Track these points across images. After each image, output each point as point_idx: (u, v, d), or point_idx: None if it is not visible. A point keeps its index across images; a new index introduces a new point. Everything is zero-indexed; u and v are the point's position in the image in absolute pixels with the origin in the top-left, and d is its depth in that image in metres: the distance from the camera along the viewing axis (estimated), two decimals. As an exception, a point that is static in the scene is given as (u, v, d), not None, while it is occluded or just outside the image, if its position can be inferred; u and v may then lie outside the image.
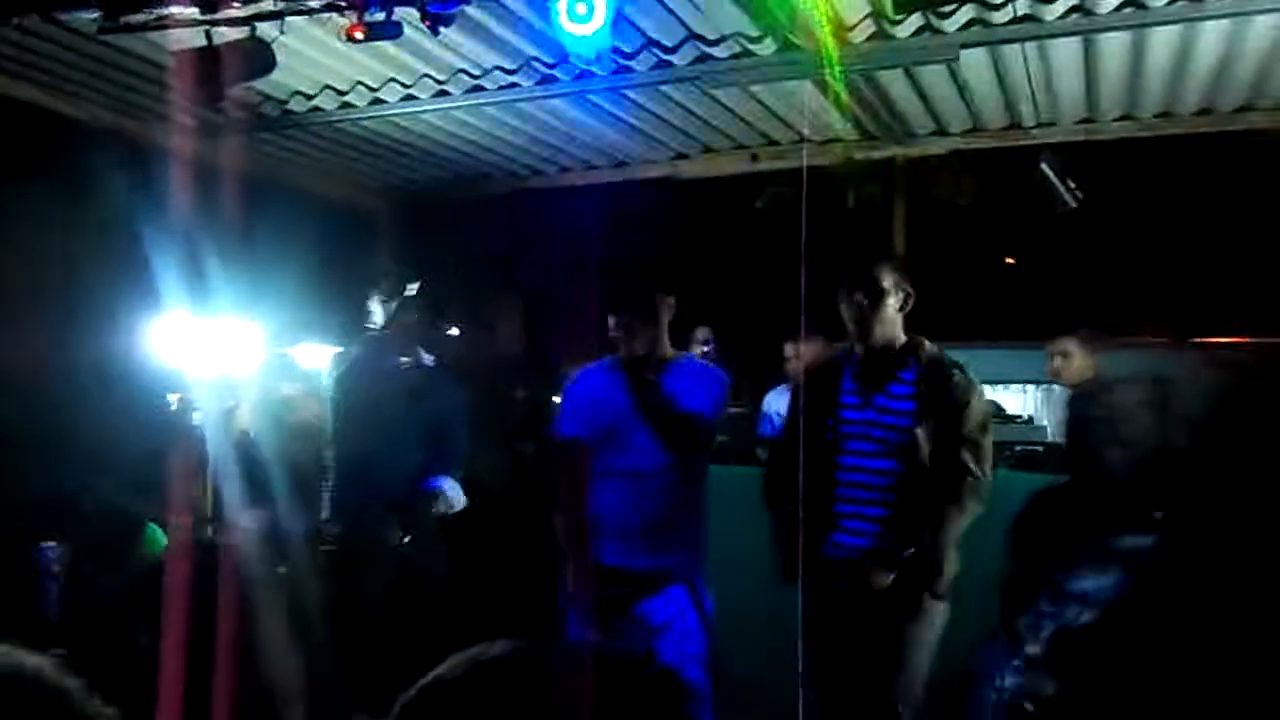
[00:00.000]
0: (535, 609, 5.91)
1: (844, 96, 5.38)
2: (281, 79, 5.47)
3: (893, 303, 3.59)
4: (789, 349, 6.24)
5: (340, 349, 4.62)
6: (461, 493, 4.35)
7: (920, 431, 3.47)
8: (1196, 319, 7.92)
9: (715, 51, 4.86)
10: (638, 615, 3.49)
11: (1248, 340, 7.28)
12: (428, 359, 4.37)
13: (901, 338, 3.64)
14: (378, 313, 4.18)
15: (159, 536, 1.63)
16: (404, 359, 4.29)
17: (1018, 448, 5.25)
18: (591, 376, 3.81)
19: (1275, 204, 7.60)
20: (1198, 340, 7.41)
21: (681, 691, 1.03)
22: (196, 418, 5.32)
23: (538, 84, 5.38)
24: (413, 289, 4.29)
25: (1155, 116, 5.67)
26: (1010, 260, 10.23)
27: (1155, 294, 8.40)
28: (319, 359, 8.49)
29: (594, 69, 5.15)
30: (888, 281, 3.59)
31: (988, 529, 4.78)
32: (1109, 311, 8.23)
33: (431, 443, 4.27)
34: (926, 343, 3.65)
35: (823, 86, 5.24)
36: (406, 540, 4.17)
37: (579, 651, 1.06)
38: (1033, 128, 5.88)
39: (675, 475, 3.59)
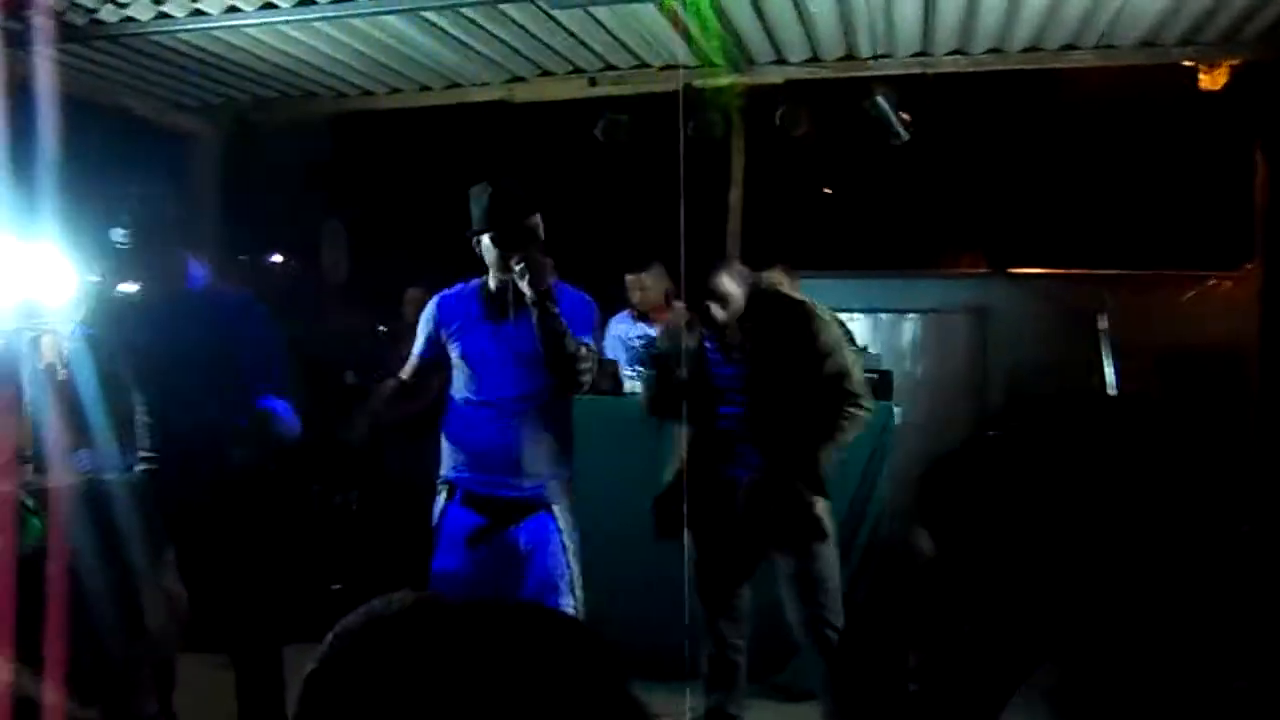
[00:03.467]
0: (367, 546, 5.84)
1: (686, 22, 5.35)
2: (91, -15, 5.13)
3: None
4: (630, 280, 6.21)
5: (102, 280, 4.19)
6: (295, 419, 4.06)
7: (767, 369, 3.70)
8: (1016, 250, 8.30)
9: (558, -29, 4.75)
10: (504, 541, 3.56)
11: (1065, 271, 7.66)
12: (220, 285, 4.02)
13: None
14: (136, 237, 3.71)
15: (35, 525, 1.46)
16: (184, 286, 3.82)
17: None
18: (456, 300, 3.72)
19: (1093, 140, 7.97)
20: (1016, 270, 7.76)
21: (586, 641, 1.01)
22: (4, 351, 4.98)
23: (372, -1, 5.18)
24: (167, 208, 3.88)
25: (986, 52, 5.79)
26: (828, 190, 10.46)
27: (981, 224, 8.74)
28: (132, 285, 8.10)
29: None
30: (725, 285, 3.71)
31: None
32: (938, 241, 8.54)
33: (245, 376, 3.87)
34: (763, 281, 3.88)
35: (666, 11, 5.20)
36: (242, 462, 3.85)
37: (477, 602, 1.02)
38: (869, 59, 5.94)
39: (540, 404, 3.60)
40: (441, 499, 3.69)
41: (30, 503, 1.77)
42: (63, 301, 6.16)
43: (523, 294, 3.46)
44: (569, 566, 3.59)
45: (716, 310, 3.68)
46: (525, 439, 3.56)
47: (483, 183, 3.58)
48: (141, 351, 3.75)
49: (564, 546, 3.59)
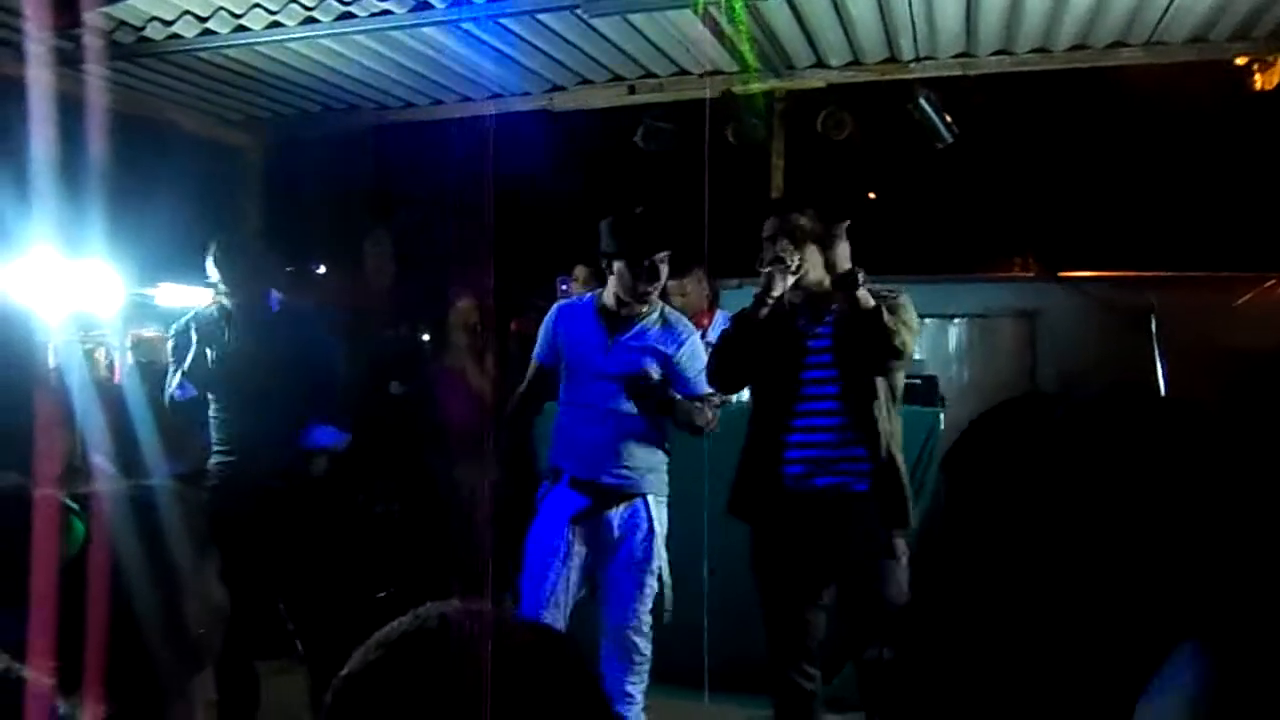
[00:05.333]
0: (409, 555, 5.88)
1: (725, 27, 5.33)
2: (138, 4, 5.19)
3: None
4: (670, 286, 6.17)
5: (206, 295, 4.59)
6: (337, 434, 4.46)
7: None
8: (1067, 252, 8.17)
9: (595, -21, 4.75)
10: (601, 523, 3.99)
11: (1115, 274, 7.53)
12: (291, 301, 4.55)
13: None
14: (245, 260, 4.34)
15: (79, 528, 1.46)
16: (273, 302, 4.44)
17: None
18: (573, 312, 4.16)
19: (1144, 140, 7.84)
20: (1067, 274, 7.63)
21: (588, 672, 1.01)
22: (55, 361, 5.07)
23: (410, 11, 5.20)
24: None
25: (1030, 52, 5.70)
26: (872, 196, 10.36)
27: (1030, 227, 8.62)
28: (180, 299, 8.19)
29: (469, -4, 5.01)
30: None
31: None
32: (985, 244, 8.43)
33: (308, 389, 4.43)
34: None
35: (704, 17, 5.18)
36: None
37: (506, 621, 1.02)
38: (911, 61, 5.88)
39: (632, 408, 4.02)
40: (549, 482, 4.12)
41: (75, 506, 1.77)
42: (112, 314, 6.25)
43: (632, 312, 3.99)
44: (655, 553, 3.97)
45: None
46: (622, 436, 3.99)
47: (633, 209, 4.02)
48: (226, 359, 4.29)
49: (653, 533, 3.97)
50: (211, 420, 4.40)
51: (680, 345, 4.01)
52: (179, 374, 4.32)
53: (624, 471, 3.99)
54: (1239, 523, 0.78)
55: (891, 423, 3.53)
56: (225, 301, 4.34)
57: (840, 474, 3.51)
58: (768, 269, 3.54)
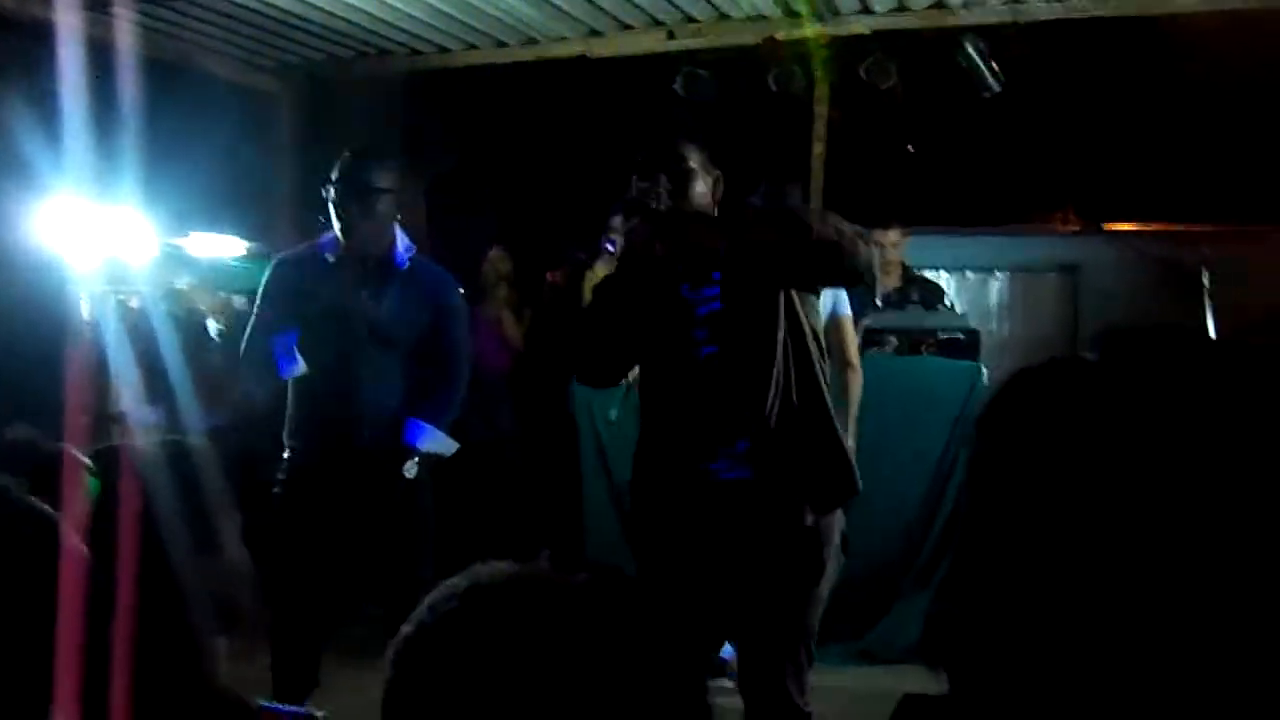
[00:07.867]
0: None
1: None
2: (166, -55, 5.11)
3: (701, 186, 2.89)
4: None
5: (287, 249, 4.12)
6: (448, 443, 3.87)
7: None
8: (1111, 205, 8.00)
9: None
10: None
11: (1163, 228, 7.38)
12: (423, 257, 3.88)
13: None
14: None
15: (91, 484, 1.40)
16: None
17: (940, 334, 5.22)
18: None
19: (1192, 88, 7.63)
20: (1112, 226, 7.49)
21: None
22: (88, 311, 5.04)
23: (446, -47, 5.10)
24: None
25: (1082, -3, 5.55)
26: (910, 149, 10.15)
27: (1074, 179, 8.44)
28: (211, 248, 8.17)
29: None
30: (694, 161, 2.87)
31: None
32: (1028, 196, 8.27)
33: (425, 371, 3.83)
34: None
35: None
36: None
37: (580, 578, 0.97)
38: (959, 7, 5.72)
39: None
40: None
41: (89, 463, 1.71)
42: (144, 263, 6.22)
43: None
44: None
45: None
46: None
47: None
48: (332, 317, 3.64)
49: None
50: (293, 388, 3.74)
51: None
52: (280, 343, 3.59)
53: None
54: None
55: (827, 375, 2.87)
56: (340, 237, 3.62)
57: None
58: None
